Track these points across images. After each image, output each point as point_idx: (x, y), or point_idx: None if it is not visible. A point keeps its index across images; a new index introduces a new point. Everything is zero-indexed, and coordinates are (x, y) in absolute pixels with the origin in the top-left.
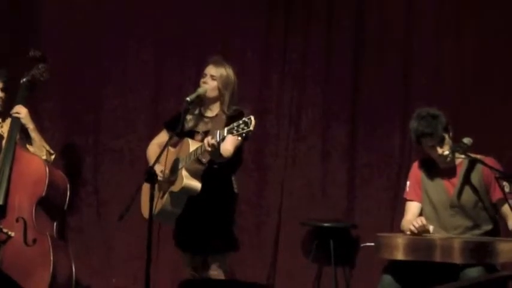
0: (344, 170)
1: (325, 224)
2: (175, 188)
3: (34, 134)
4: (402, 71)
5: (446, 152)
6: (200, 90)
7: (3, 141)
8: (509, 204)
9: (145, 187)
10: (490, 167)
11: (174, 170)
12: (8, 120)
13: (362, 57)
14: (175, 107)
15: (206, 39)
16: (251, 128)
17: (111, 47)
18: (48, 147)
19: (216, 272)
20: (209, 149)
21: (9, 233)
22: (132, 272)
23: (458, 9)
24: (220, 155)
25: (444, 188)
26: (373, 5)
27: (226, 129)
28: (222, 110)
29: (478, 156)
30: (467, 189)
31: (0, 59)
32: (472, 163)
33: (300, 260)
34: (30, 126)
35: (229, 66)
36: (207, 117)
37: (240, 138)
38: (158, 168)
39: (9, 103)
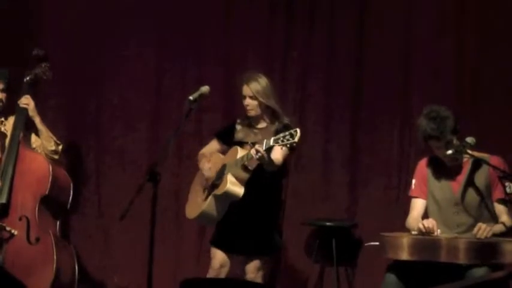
0: (346, 170)
1: (327, 224)
2: (218, 191)
3: (41, 126)
4: (403, 71)
5: (449, 152)
6: (203, 89)
7: (7, 140)
8: (506, 206)
9: (195, 186)
10: (494, 167)
11: (220, 174)
12: (10, 119)
13: (363, 57)
14: (177, 106)
15: (207, 39)
16: (296, 139)
17: (112, 47)
18: (55, 138)
19: (253, 275)
20: (256, 156)
21: (13, 231)
22: (134, 270)
23: (459, 8)
24: (272, 163)
25: (449, 186)
26: (374, 4)
27: (272, 139)
28: (271, 120)
29: (485, 155)
30: (472, 188)
31: (1, 58)
32: (477, 162)
33: (302, 260)
34: (37, 118)
35: (260, 76)
36: (257, 128)
37: (284, 148)
38: (206, 166)
39: (12, 103)
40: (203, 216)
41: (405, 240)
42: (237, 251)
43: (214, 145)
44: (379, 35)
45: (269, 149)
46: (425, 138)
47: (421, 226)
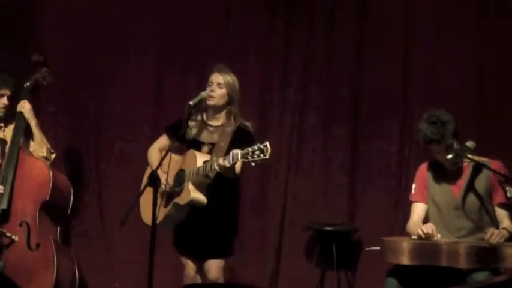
0: (345, 174)
1: (328, 228)
2: (181, 200)
3: (36, 130)
4: (402, 73)
5: (450, 156)
6: (203, 94)
7: (7, 146)
8: (507, 210)
9: (145, 194)
10: (494, 171)
11: (179, 181)
12: (10, 126)
13: (363, 58)
14: (176, 109)
15: (207, 42)
16: (267, 156)
17: (112, 51)
18: (49, 146)
19: (216, 275)
20: (219, 170)
21: (13, 237)
22: (134, 275)
23: (459, 9)
24: (234, 172)
25: (450, 190)
26: (374, 5)
27: (240, 153)
28: (229, 119)
29: (485, 159)
30: (473, 192)
31: (1, 64)
32: (477, 167)
33: (303, 264)
34: (32, 122)
35: (232, 73)
36: (212, 126)
37: (253, 164)
38: (163, 178)
39: (14, 109)
40: (165, 222)
41: (406, 244)
42: (207, 256)
43: (163, 141)
44: (379, 36)
45: (235, 163)
46: (425, 143)
47: (420, 232)
